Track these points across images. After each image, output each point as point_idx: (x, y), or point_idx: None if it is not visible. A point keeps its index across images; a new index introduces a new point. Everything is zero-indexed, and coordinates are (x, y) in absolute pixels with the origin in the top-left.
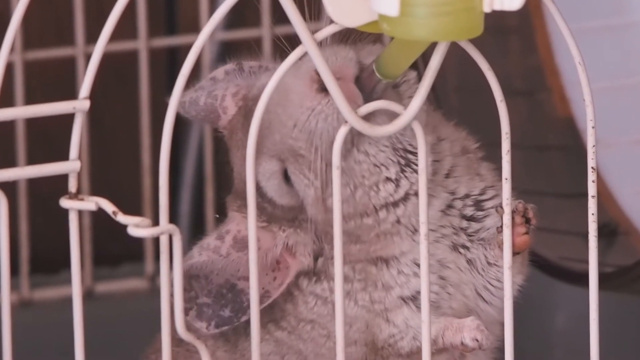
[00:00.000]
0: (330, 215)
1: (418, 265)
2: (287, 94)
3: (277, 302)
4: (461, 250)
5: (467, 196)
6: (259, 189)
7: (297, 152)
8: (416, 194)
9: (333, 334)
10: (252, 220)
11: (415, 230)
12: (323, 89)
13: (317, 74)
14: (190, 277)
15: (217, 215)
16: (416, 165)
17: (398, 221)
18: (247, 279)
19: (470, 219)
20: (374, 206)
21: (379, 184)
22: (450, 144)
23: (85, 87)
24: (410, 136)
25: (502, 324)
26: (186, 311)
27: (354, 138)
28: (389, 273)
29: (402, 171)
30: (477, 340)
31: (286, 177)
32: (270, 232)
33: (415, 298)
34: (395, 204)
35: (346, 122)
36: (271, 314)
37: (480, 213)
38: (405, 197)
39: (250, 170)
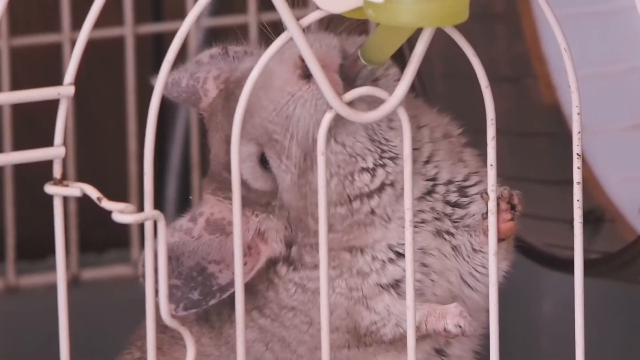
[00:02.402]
0: (304, 202)
1: (393, 251)
2: (270, 79)
3: (260, 290)
4: (446, 236)
5: (450, 182)
6: None
7: (274, 136)
8: (392, 185)
9: (314, 321)
10: (237, 206)
11: (389, 219)
12: (305, 76)
13: (301, 60)
14: None
15: (191, 197)
16: (393, 153)
17: (372, 212)
18: (217, 262)
19: (455, 205)
20: (348, 195)
21: (354, 174)
22: (430, 131)
23: (69, 73)
24: (385, 129)
25: (488, 311)
26: (157, 292)
27: (332, 129)
28: (363, 259)
29: (379, 161)
30: (460, 327)
31: (262, 162)
32: (243, 216)
33: (395, 285)
34: (369, 195)
35: (331, 108)
36: (255, 301)
37: (465, 199)
38: (381, 188)
39: (235, 153)
